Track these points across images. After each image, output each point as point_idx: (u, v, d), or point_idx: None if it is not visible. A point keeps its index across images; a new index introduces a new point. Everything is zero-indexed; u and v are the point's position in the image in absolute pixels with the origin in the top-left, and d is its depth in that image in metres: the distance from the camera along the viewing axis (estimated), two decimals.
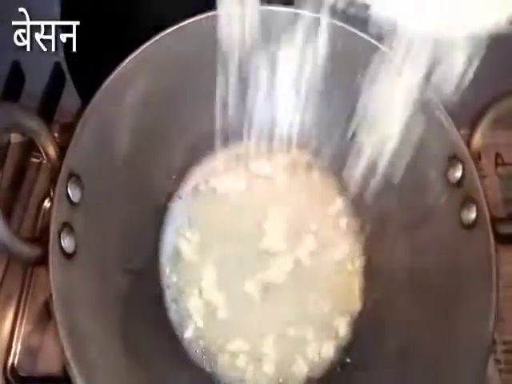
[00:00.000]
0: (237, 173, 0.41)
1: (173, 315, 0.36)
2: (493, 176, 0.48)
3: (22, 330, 0.39)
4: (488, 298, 0.29)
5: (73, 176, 0.32)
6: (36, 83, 0.50)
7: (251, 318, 0.36)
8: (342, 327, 0.36)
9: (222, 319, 0.36)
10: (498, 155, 0.49)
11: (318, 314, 0.36)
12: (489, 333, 0.28)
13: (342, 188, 0.40)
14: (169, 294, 0.37)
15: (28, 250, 0.29)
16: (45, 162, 0.47)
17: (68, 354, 0.26)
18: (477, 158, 0.33)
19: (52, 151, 0.33)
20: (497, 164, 0.48)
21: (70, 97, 0.50)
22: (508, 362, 0.42)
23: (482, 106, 0.33)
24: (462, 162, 0.33)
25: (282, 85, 0.41)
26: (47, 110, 0.49)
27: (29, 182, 0.47)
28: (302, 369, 0.35)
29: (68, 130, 0.34)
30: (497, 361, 0.41)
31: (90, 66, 0.48)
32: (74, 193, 0.32)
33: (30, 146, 0.48)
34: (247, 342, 0.36)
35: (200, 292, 0.37)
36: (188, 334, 0.36)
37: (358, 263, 0.38)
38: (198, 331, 0.36)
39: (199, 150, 0.41)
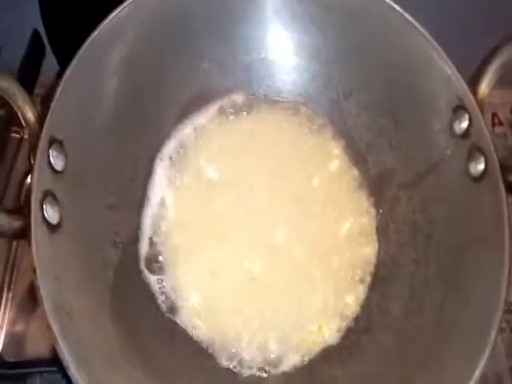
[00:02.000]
0: (231, 129, 0.38)
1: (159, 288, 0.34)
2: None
3: (6, 315, 0.36)
4: (500, 252, 0.27)
5: (55, 142, 0.29)
6: (13, 52, 0.46)
7: (248, 298, 0.34)
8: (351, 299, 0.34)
9: (209, 295, 0.34)
10: (494, 115, 0.47)
11: (326, 283, 0.34)
12: (502, 291, 0.27)
13: (344, 145, 0.38)
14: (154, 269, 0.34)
15: (9, 221, 0.26)
16: (26, 136, 0.45)
17: (55, 330, 0.24)
18: (483, 107, 0.30)
19: (31, 115, 0.30)
20: (493, 124, 0.47)
21: (50, 69, 0.47)
22: (509, 322, 0.41)
23: (486, 53, 0.31)
24: (468, 112, 0.31)
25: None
26: (26, 81, 0.45)
27: (9, 157, 0.44)
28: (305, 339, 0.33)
29: (49, 100, 0.31)
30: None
31: (71, 32, 0.44)
32: (56, 160, 0.29)
33: (10, 121, 0.45)
34: (239, 319, 0.33)
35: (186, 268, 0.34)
36: (178, 309, 0.33)
37: (362, 223, 0.36)
38: (187, 304, 0.33)
39: (190, 110, 0.38)
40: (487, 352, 0.25)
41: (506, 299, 0.26)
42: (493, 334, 0.26)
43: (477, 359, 0.25)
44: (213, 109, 0.39)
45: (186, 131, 0.38)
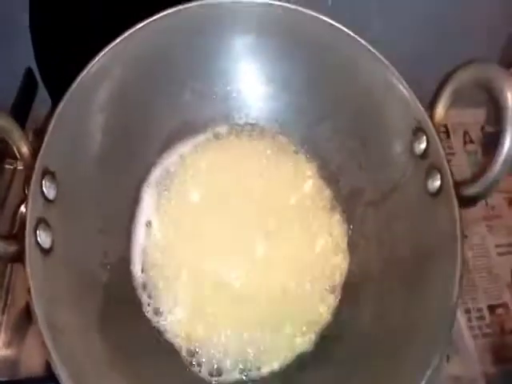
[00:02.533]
0: (212, 157, 0.40)
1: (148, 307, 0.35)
2: (462, 153, 0.49)
3: (1, 334, 0.37)
4: (454, 258, 0.29)
5: (47, 173, 0.32)
6: (7, 89, 0.49)
7: (229, 309, 0.35)
8: (323, 308, 0.36)
9: (194, 309, 0.35)
10: (465, 133, 0.50)
11: (299, 296, 0.36)
12: (454, 293, 0.29)
13: (317, 167, 0.41)
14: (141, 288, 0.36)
15: (4, 247, 0.28)
16: (19, 167, 0.47)
17: (49, 345, 0.25)
18: (439, 129, 0.33)
19: (25, 149, 0.32)
20: (465, 142, 0.50)
21: (42, 104, 0.50)
22: (481, 328, 0.43)
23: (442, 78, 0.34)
24: (426, 134, 0.33)
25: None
26: (19, 116, 0.48)
27: (3, 188, 0.46)
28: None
29: (41, 134, 0.33)
30: (471, 328, 0.42)
31: (62, 70, 0.47)
32: (48, 190, 0.31)
33: (4, 152, 0.47)
34: (226, 335, 0.35)
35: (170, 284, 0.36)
36: (164, 323, 0.35)
37: (335, 238, 0.38)
38: (174, 321, 0.35)
39: (174, 140, 0.40)
40: (440, 349, 0.28)
41: (457, 302, 0.28)
42: (445, 334, 0.28)
43: (433, 353, 0.27)
44: (196, 138, 0.41)
45: (171, 159, 0.40)
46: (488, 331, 0.43)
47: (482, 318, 0.43)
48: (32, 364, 0.36)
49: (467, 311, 0.44)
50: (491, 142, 0.47)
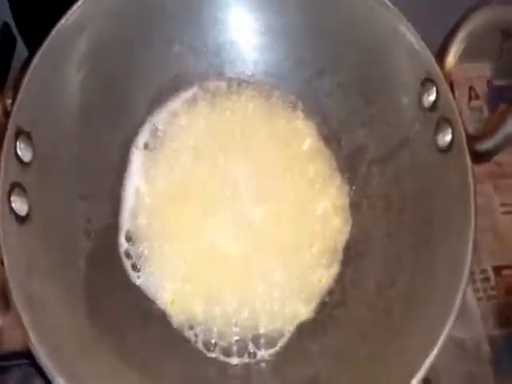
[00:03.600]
0: (204, 113, 0.37)
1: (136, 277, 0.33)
2: (466, 110, 0.46)
3: None
4: (467, 221, 0.27)
5: (22, 133, 0.28)
6: None
7: (224, 278, 0.33)
8: (324, 274, 0.34)
9: (186, 280, 0.33)
10: (471, 88, 0.46)
11: (299, 258, 0.34)
12: (467, 258, 0.26)
13: (317, 124, 0.37)
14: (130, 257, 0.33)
15: None
16: None
17: (24, 320, 0.23)
18: (450, 79, 0.30)
19: None
20: (470, 98, 0.46)
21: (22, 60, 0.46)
22: (485, 290, 0.41)
23: (453, 24, 0.30)
24: (436, 84, 0.30)
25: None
26: None
27: None
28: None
29: (15, 90, 0.30)
30: (475, 290, 0.40)
31: (41, 22, 0.43)
32: (23, 152, 0.29)
33: None
34: (222, 305, 0.33)
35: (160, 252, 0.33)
36: (153, 292, 0.33)
37: (335, 200, 0.35)
38: (164, 290, 0.33)
39: (164, 96, 0.37)
40: (452, 318, 0.25)
41: (471, 268, 0.26)
42: (457, 302, 0.26)
43: (442, 325, 0.25)
44: (187, 94, 0.38)
45: (160, 117, 0.37)
46: (493, 293, 0.41)
47: (486, 279, 0.41)
48: (16, 336, 0.34)
49: (471, 273, 0.42)
50: (498, 97, 0.43)
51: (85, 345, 0.26)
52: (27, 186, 0.28)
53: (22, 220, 0.27)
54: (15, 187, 0.27)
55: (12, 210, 0.26)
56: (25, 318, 0.23)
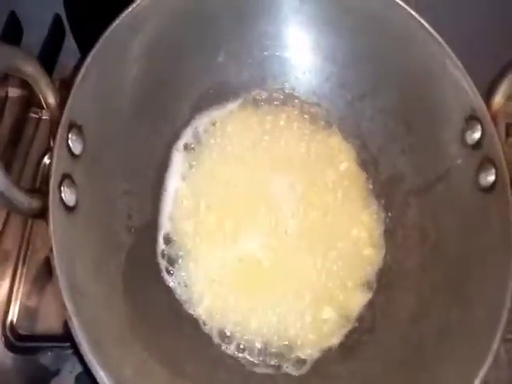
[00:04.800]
0: (245, 124, 0.37)
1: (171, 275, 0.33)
2: (503, 147, 0.45)
3: (20, 288, 0.36)
4: (506, 263, 0.27)
5: (74, 127, 0.29)
6: (34, 36, 0.46)
7: (256, 287, 0.33)
8: (354, 299, 0.33)
9: (220, 284, 0.33)
10: (508, 125, 0.46)
11: (330, 281, 0.33)
12: (506, 301, 0.26)
13: (356, 147, 0.37)
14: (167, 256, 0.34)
15: (28, 201, 0.26)
16: (44, 117, 0.45)
17: (69, 309, 0.23)
18: (496, 119, 0.30)
19: (52, 99, 0.30)
20: (508, 135, 0.45)
21: (70, 53, 0.46)
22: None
23: (503, 66, 0.30)
24: (481, 123, 0.30)
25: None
26: (46, 65, 0.44)
27: (27, 137, 0.43)
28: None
29: (68, 85, 0.30)
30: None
31: (92, 19, 0.44)
32: (74, 144, 0.29)
33: (29, 101, 0.44)
34: (246, 310, 0.32)
35: (196, 256, 0.34)
36: (186, 295, 0.33)
37: (370, 226, 0.35)
38: (197, 292, 0.33)
39: (206, 102, 0.37)
40: (488, 362, 0.25)
41: (510, 309, 0.26)
42: (495, 344, 0.25)
43: (477, 368, 0.25)
44: (228, 103, 0.38)
45: (201, 123, 0.37)
46: None
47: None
48: (50, 320, 0.35)
49: None
50: None
51: (121, 334, 0.27)
52: (76, 177, 0.28)
53: (69, 210, 0.27)
54: (65, 178, 0.27)
55: (61, 200, 0.27)
56: (70, 308, 0.23)
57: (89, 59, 0.30)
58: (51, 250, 0.25)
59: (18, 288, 0.36)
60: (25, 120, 0.44)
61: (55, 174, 0.27)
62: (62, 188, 0.27)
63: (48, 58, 0.46)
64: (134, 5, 0.32)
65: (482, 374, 0.25)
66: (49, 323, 0.35)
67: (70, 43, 0.47)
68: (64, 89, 0.33)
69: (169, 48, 0.35)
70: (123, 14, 0.31)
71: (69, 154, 0.28)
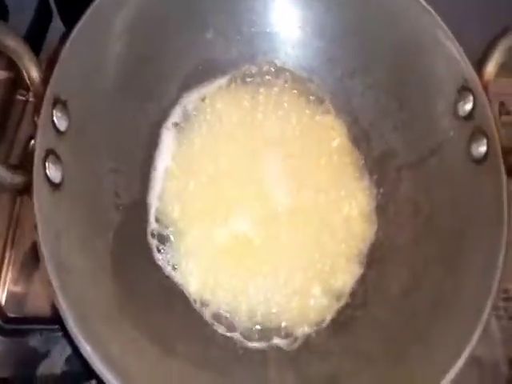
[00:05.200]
0: (235, 100, 0.37)
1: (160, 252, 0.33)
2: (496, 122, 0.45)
3: (9, 270, 0.36)
4: (498, 234, 0.26)
5: (59, 102, 0.28)
6: (21, 17, 0.45)
7: (247, 266, 0.32)
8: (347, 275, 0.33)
9: (210, 262, 0.32)
10: (501, 104, 0.45)
11: (322, 257, 0.33)
12: (497, 273, 0.26)
13: (347, 124, 0.36)
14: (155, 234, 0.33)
15: (10, 176, 0.26)
16: (31, 99, 0.44)
17: (55, 286, 0.23)
18: (488, 89, 0.29)
19: (36, 74, 0.29)
20: (500, 113, 0.45)
21: (57, 33, 0.45)
22: (507, 310, 0.39)
23: (494, 35, 0.29)
24: (473, 93, 0.29)
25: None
26: (33, 45, 0.43)
27: (15, 120, 0.42)
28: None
29: (53, 62, 0.29)
30: (496, 308, 0.39)
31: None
32: (59, 121, 0.28)
33: (16, 83, 0.43)
34: (243, 294, 0.32)
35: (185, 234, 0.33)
36: (175, 273, 0.32)
37: (362, 202, 0.34)
38: (186, 270, 0.32)
39: (194, 80, 0.37)
40: (478, 332, 0.25)
41: (500, 284, 0.26)
42: (484, 315, 0.25)
43: (468, 340, 0.25)
44: (218, 80, 0.37)
45: (190, 101, 0.37)
46: None
47: (509, 299, 0.40)
48: (39, 302, 0.34)
49: None
50: None
51: (109, 312, 0.26)
52: (61, 154, 0.28)
53: (55, 187, 0.27)
54: (50, 154, 0.27)
55: (46, 176, 0.26)
56: (55, 284, 0.23)
57: (72, 35, 0.29)
58: (36, 226, 0.24)
59: (7, 270, 0.35)
60: (12, 102, 0.43)
61: (40, 149, 0.26)
62: (47, 164, 0.26)
63: (35, 38, 0.45)
64: None
65: (471, 346, 0.24)
66: (38, 305, 0.34)
67: (57, 23, 0.46)
68: (50, 67, 0.32)
69: (153, 25, 0.34)
70: None
71: (54, 129, 0.28)
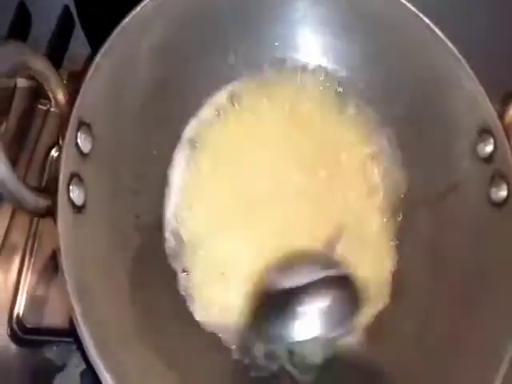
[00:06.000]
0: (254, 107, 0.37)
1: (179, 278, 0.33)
2: None
3: (27, 280, 0.36)
4: None
5: (83, 125, 0.29)
6: (43, 27, 0.45)
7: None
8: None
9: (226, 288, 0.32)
10: None
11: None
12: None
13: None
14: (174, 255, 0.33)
15: (35, 200, 0.26)
16: (53, 109, 0.44)
17: (77, 311, 0.23)
18: (509, 133, 0.29)
19: (61, 96, 0.30)
20: None
21: (79, 44, 0.46)
22: None
23: None
24: (494, 136, 0.29)
25: None
26: (55, 56, 0.44)
27: (36, 129, 0.43)
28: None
29: (77, 78, 0.30)
30: None
31: (100, 10, 0.43)
32: (83, 143, 0.29)
33: (38, 92, 0.44)
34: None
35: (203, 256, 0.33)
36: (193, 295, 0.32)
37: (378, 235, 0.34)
38: (206, 297, 0.32)
39: (213, 101, 0.37)
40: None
41: None
42: (503, 364, 0.25)
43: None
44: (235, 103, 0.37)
45: (206, 117, 0.37)
46: None
47: None
48: (57, 314, 0.34)
49: None
50: None
51: (127, 336, 0.26)
52: (84, 176, 0.28)
53: (78, 209, 0.27)
54: (74, 177, 0.27)
55: (70, 199, 0.27)
56: (77, 309, 0.23)
57: (97, 58, 0.29)
58: (59, 249, 0.25)
59: (25, 281, 0.36)
60: (33, 111, 0.44)
61: (64, 172, 0.27)
62: (71, 187, 0.27)
63: (57, 49, 0.45)
64: (143, 4, 0.31)
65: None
66: (55, 317, 0.34)
67: (79, 34, 0.47)
68: (73, 82, 0.33)
69: (177, 49, 0.34)
70: (131, 14, 0.31)
71: (78, 152, 0.28)
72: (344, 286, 0.32)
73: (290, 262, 0.32)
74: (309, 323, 0.31)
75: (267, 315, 0.31)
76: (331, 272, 0.32)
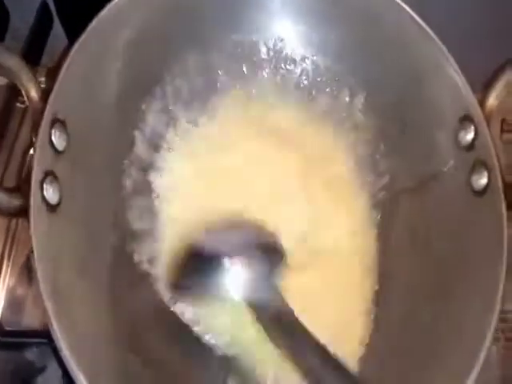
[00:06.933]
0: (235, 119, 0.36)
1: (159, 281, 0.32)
2: (498, 143, 0.44)
3: (5, 283, 0.36)
4: (497, 267, 0.26)
5: (57, 122, 0.28)
6: (22, 24, 0.44)
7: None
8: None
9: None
10: (503, 121, 0.45)
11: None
12: (496, 305, 0.26)
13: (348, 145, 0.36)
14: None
15: (7, 200, 0.25)
16: (24, 106, 0.44)
17: (50, 312, 0.23)
18: (490, 120, 0.29)
19: (34, 94, 0.29)
20: (502, 130, 0.45)
21: (58, 40, 0.45)
22: (504, 331, 0.39)
23: (497, 65, 0.29)
24: (475, 124, 0.29)
25: None
26: (33, 52, 0.43)
27: (14, 128, 0.42)
28: None
29: (54, 74, 0.29)
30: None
31: (79, 6, 0.42)
32: (58, 140, 0.28)
33: (15, 90, 0.43)
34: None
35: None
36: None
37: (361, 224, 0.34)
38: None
39: (195, 98, 0.36)
40: (479, 362, 0.25)
41: (499, 310, 0.25)
42: (486, 345, 0.25)
43: (469, 369, 0.24)
44: (218, 99, 0.37)
45: (190, 118, 0.36)
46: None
47: (504, 320, 0.38)
48: (36, 314, 0.34)
49: None
50: None
51: (104, 337, 0.26)
52: (59, 174, 0.27)
53: (52, 208, 0.26)
54: (48, 175, 0.27)
55: (44, 198, 0.26)
56: (51, 309, 0.23)
57: (71, 54, 0.29)
58: (32, 250, 0.24)
59: (3, 284, 0.35)
60: (11, 110, 0.43)
61: (37, 170, 0.26)
62: (45, 185, 0.26)
63: (36, 45, 0.45)
64: None
65: (473, 376, 0.24)
66: (34, 319, 0.34)
67: (58, 30, 0.46)
68: (51, 78, 0.32)
69: (154, 44, 0.33)
70: (108, 7, 0.30)
71: (52, 150, 0.27)
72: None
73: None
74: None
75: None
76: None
